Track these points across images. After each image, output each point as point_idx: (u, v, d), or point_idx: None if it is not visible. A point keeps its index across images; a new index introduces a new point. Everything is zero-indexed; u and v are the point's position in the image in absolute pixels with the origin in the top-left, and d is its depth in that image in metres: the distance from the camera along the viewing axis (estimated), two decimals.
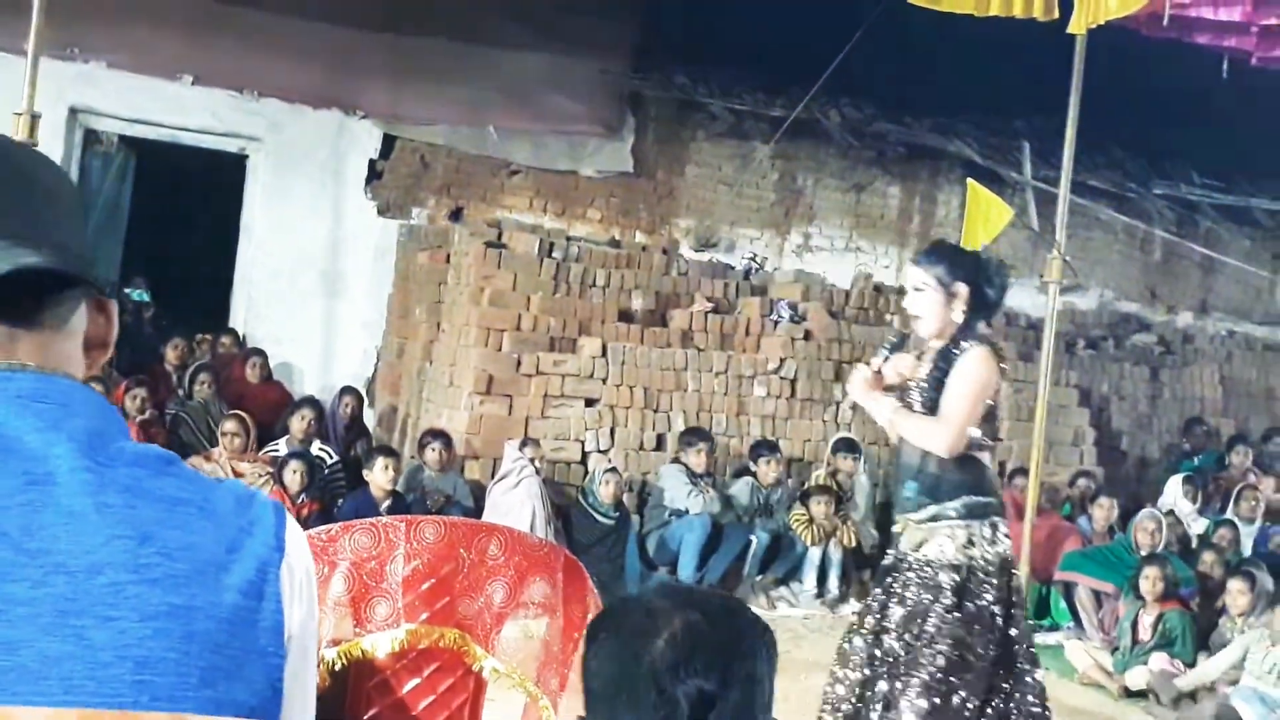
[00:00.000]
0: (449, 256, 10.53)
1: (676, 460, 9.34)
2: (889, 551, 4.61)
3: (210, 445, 8.90)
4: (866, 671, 4.36)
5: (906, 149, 12.97)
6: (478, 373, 9.41)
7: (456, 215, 11.40)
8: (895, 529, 4.60)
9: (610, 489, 8.70)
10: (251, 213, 11.05)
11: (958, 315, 4.34)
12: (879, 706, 4.29)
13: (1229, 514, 10.13)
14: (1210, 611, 8.15)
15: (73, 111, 10.22)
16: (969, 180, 9.16)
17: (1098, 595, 8.86)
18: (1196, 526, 10.09)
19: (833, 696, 4.46)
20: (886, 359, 4.54)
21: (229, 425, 8.68)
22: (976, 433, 4.41)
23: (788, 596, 9.04)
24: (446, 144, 11.38)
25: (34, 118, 6.15)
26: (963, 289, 4.33)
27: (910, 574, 4.36)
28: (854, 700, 4.37)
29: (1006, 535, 4.48)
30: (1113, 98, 10.55)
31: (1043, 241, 12.12)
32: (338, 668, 2.56)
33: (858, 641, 4.43)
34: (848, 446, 9.85)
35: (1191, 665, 7.46)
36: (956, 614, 4.24)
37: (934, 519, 4.35)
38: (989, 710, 4.25)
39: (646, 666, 1.49)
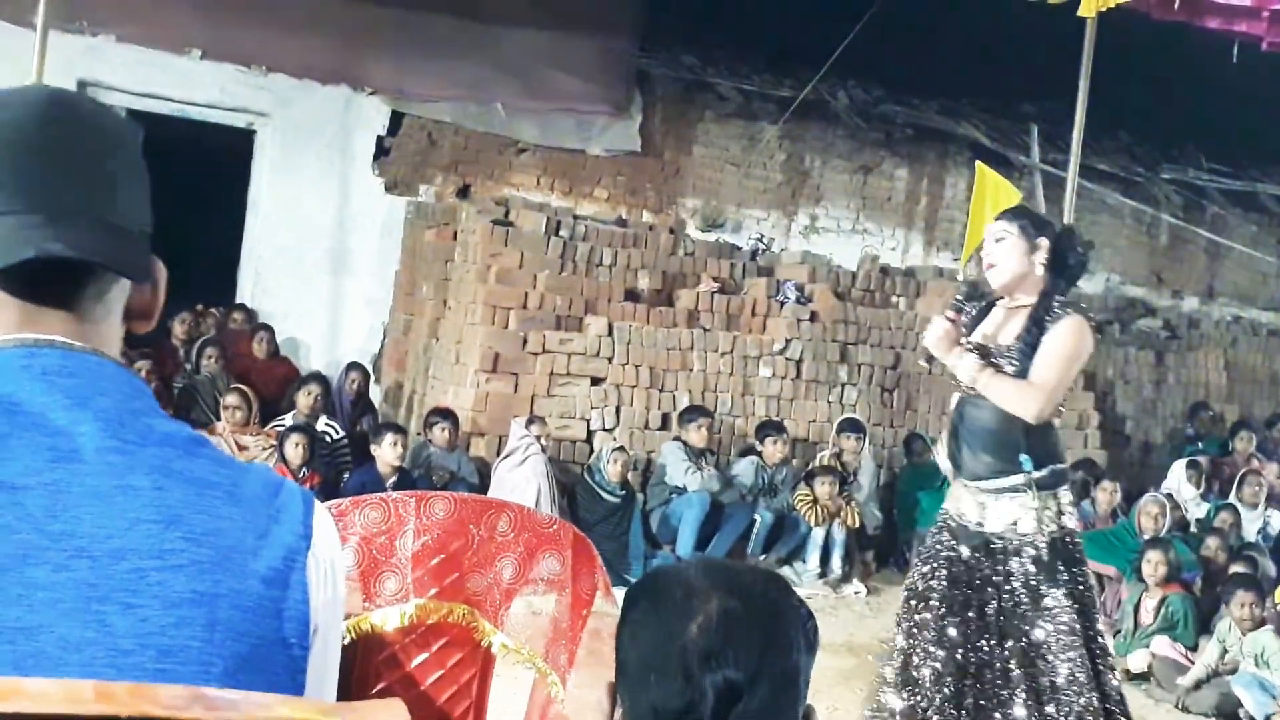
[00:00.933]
0: (456, 234, 10.52)
1: (678, 438, 9.36)
2: (945, 527, 4.44)
3: (216, 419, 8.92)
4: (965, 656, 4.21)
5: (914, 131, 12.96)
6: (484, 350, 9.42)
7: (464, 193, 11.40)
8: (949, 505, 4.48)
9: (617, 468, 8.72)
10: (259, 188, 11.05)
11: (1038, 269, 4.26)
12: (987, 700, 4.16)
13: (1232, 499, 10.13)
14: (1213, 595, 8.16)
15: (81, 85, 10.20)
16: (977, 163, 9.14)
17: (1100, 578, 8.86)
18: (1198, 511, 10.10)
19: (915, 678, 4.28)
20: (961, 310, 4.41)
21: (231, 399, 8.73)
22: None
23: (791, 577, 9.06)
24: (454, 121, 11.37)
25: None
26: (1045, 242, 4.27)
27: (1006, 556, 4.23)
28: (948, 686, 4.20)
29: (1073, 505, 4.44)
30: (1122, 82, 10.52)
31: None
32: (346, 641, 2.56)
33: (949, 630, 4.24)
34: (852, 427, 9.87)
35: (1193, 649, 7.47)
36: (1073, 602, 4.18)
37: (1017, 489, 4.24)
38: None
39: (677, 650, 1.47)
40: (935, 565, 4.37)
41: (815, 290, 10.70)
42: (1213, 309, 14.49)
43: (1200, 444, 11.94)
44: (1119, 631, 8.04)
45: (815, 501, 9.17)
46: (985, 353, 4.25)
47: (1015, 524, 4.22)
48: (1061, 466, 4.34)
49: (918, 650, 4.29)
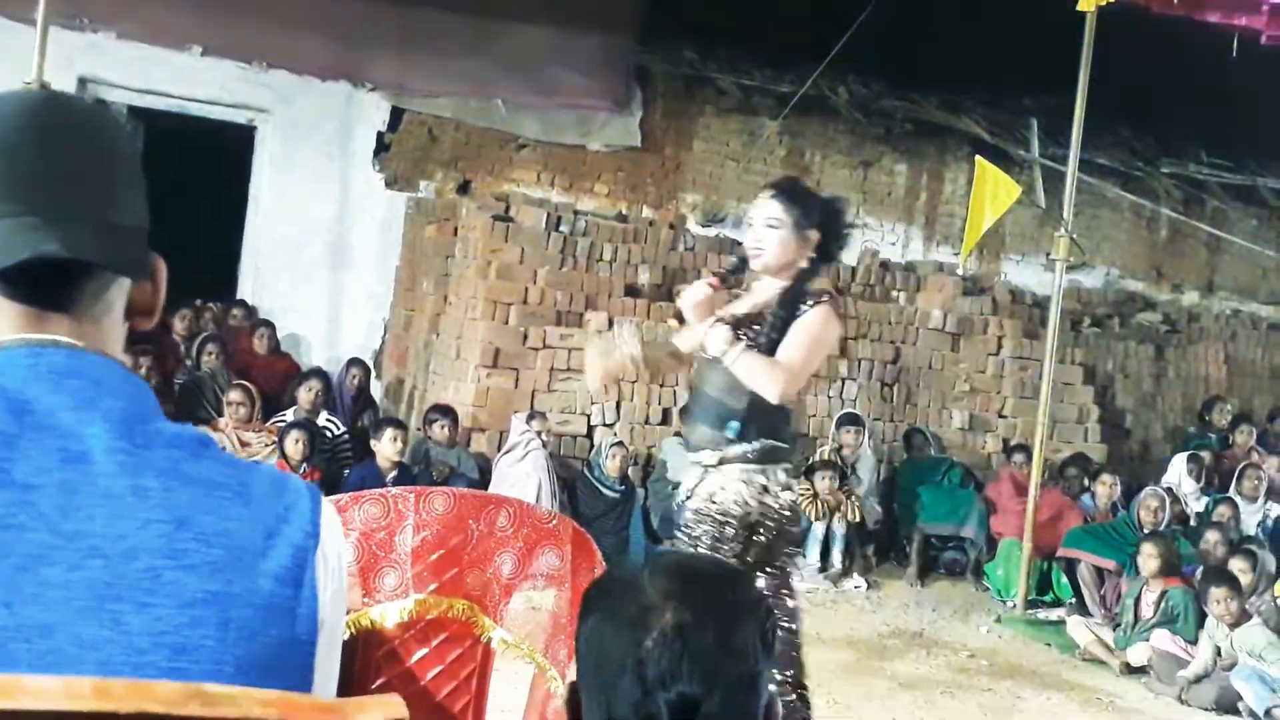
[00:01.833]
0: (456, 229, 10.53)
1: (677, 434, 9.37)
2: (678, 495, 4.43)
3: (218, 415, 8.93)
4: None
5: (914, 126, 12.95)
6: (484, 346, 9.43)
7: (464, 188, 11.40)
8: (681, 476, 4.45)
9: (616, 462, 8.73)
10: (259, 184, 11.06)
11: (803, 260, 4.25)
12: None
13: (1232, 493, 10.14)
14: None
15: (81, 81, 10.22)
16: (977, 157, 9.16)
17: (1100, 572, 8.88)
18: (1198, 505, 10.11)
19: None
20: (725, 279, 4.36)
21: (234, 395, 8.74)
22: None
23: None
24: (454, 117, 11.37)
25: (43, 87, 6.18)
26: (815, 236, 4.24)
27: (702, 525, 4.21)
28: None
29: (796, 483, 4.39)
30: (1122, 76, 10.52)
31: (1050, 219, 12.13)
32: (346, 637, 2.57)
33: None
34: (851, 420, 9.88)
35: (1193, 642, 7.48)
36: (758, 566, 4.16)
37: (726, 461, 4.20)
38: None
39: (632, 666, 1.48)
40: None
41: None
42: (1213, 303, 14.49)
43: (1211, 439, 11.92)
44: (1119, 625, 8.06)
45: (815, 496, 9.18)
46: (738, 325, 4.20)
47: (712, 496, 4.19)
48: (780, 445, 4.24)
49: None
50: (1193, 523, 9.70)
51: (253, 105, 10.86)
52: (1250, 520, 9.83)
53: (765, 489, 4.19)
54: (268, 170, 10.98)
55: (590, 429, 9.57)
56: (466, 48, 11.16)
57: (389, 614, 2.60)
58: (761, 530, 4.20)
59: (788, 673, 4.17)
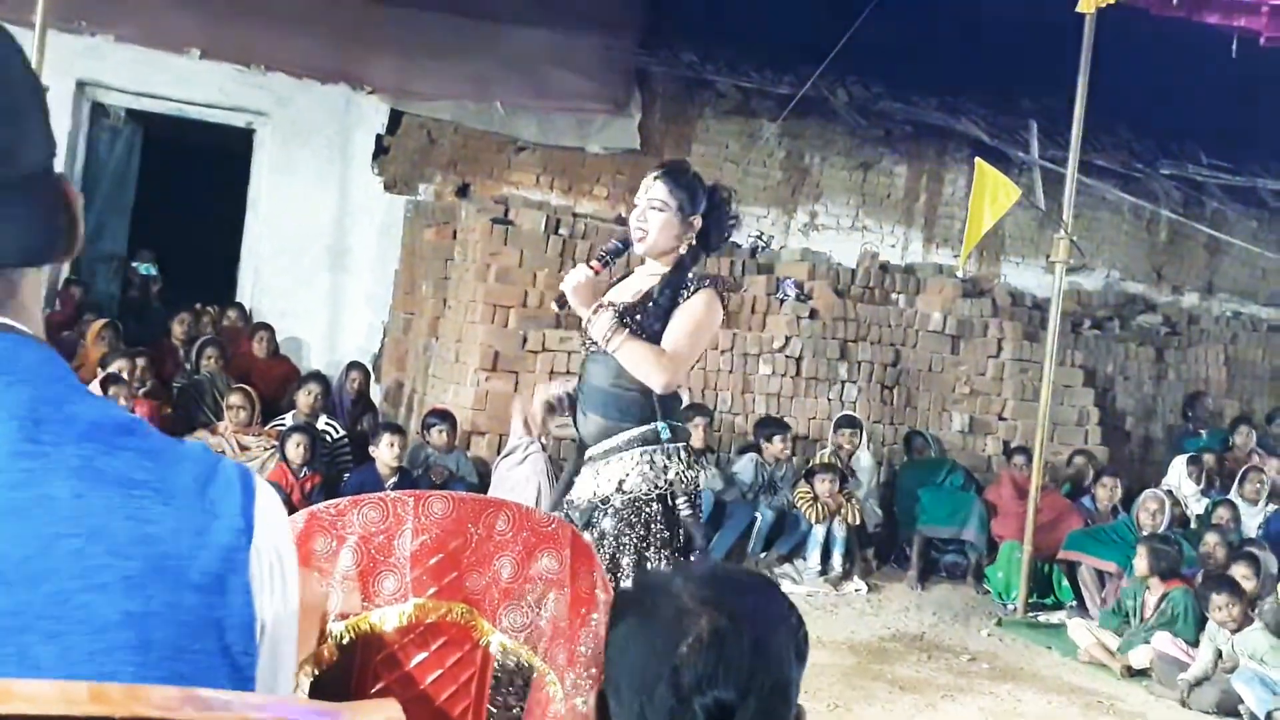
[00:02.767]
0: (455, 233, 10.53)
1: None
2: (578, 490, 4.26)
3: (217, 419, 8.93)
4: None
5: (913, 127, 12.95)
6: (484, 349, 9.42)
7: (463, 191, 11.39)
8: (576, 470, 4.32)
9: None
10: (258, 187, 11.06)
11: (684, 246, 4.22)
12: None
13: (1234, 495, 10.13)
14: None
15: (80, 85, 10.22)
16: (976, 159, 9.15)
17: (1101, 574, 8.88)
18: (1199, 507, 10.10)
19: None
20: (606, 263, 4.30)
21: (234, 399, 8.73)
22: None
23: (791, 574, 9.07)
24: (453, 120, 11.36)
25: None
26: (698, 223, 4.22)
27: (610, 518, 4.07)
28: None
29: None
30: (1121, 77, 10.52)
31: (1049, 221, 12.12)
32: (345, 642, 2.57)
33: None
34: (849, 423, 9.87)
35: (1193, 644, 7.47)
36: (667, 549, 4.01)
37: (623, 448, 4.12)
38: None
39: (668, 671, 1.48)
40: None
41: (815, 287, 10.71)
42: (1213, 304, 14.50)
43: (1203, 434, 11.93)
44: (1118, 630, 8.04)
45: (815, 499, 9.17)
46: (621, 312, 4.17)
47: (621, 483, 4.09)
48: (677, 425, 4.18)
49: None
50: (1193, 525, 9.70)
51: (251, 108, 10.86)
52: (1251, 523, 9.82)
53: (666, 468, 4.10)
54: (266, 173, 10.98)
55: None
56: (465, 50, 11.15)
57: (388, 618, 2.59)
58: (675, 509, 4.10)
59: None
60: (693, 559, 4.13)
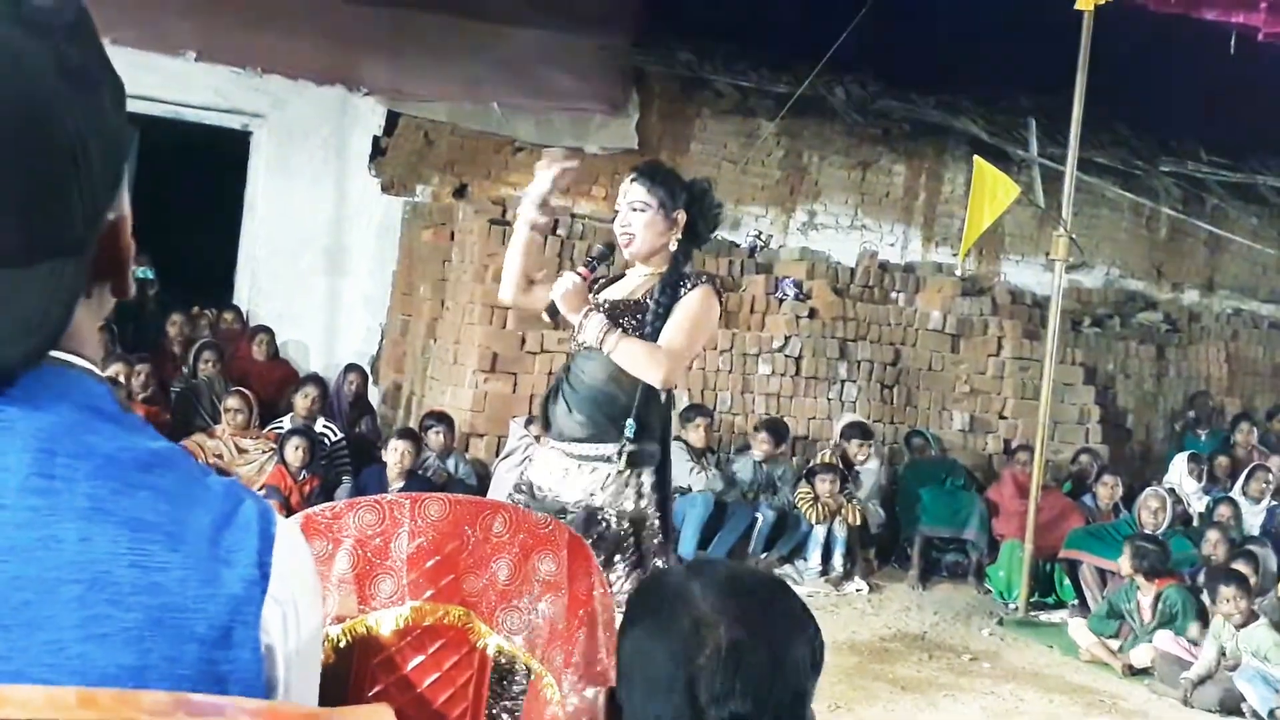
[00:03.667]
0: (453, 234, 10.53)
1: (677, 438, 9.33)
2: (518, 495, 4.17)
3: (215, 422, 8.90)
4: None
5: (912, 126, 12.93)
6: (482, 350, 9.41)
7: (460, 192, 11.38)
8: (529, 473, 4.28)
9: None
10: (255, 189, 11.03)
11: (672, 243, 4.22)
12: None
13: (1237, 493, 10.12)
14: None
15: None
16: (975, 157, 9.14)
17: (1102, 573, 8.86)
18: (1200, 505, 10.09)
19: None
20: (593, 267, 4.32)
21: (231, 402, 8.69)
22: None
23: (792, 574, 9.05)
24: (450, 121, 11.35)
25: None
26: (682, 217, 4.21)
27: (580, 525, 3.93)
28: None
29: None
30: (1120, 74, 10.51)
31: (1049, 219, 12.11)
32: (342, 645, 2.56)
33: None
34: (862, 433, 9.76)
35: (1194, 642, 7.46)
36: (640, 571, 3.96)
37: (608, 458, 4.04)
38: None
39: (684, 682, 1.47)
40: None
41: (814, 287, 10.70)
42: (1213, 302, 14.48)
43: (1202, 435, 11.92)
44: (1116, 633, 8.02)
45: (816, 499, 9.15)
46: (615, 313, 4.14)
47: (592, 495, 4.02)
48: (653, 447, 4.15)
49: None
50: (1195, 523, 9.68)
51: (248, 110, 10.84)
52: (1253, 520, 9.81)
53: (639, 493, 4.07)
54: (263, 175, 10.96)
55: None
56: (462, 51, 11.14)
57: (385, 621, 2.58)
58: (641, 532, 4.05)
59: None
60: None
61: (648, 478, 4.10)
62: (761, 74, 12.29)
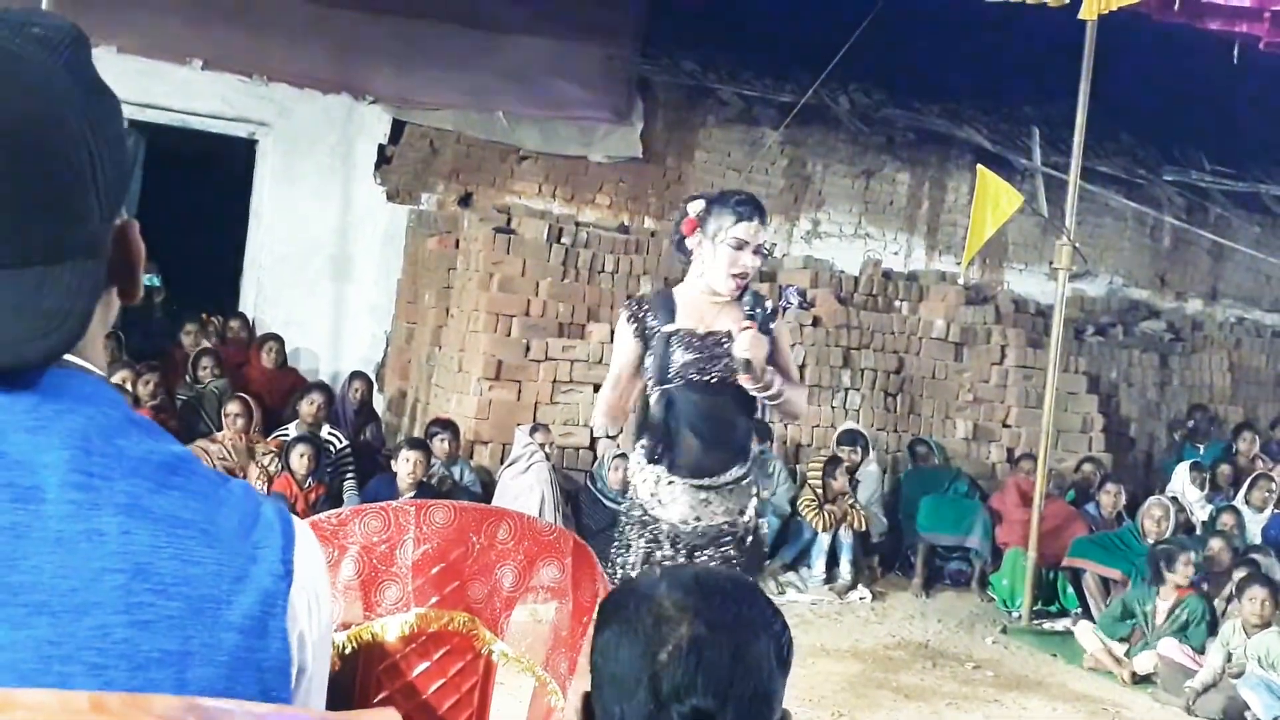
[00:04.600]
0: (458, 242, 10.55)
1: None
2: (647, 533, 4.18)
3: (218, 430, 8.90)
4: None
5: (916, 135, 12.95)
6: (487, 358, 9.42)
7: (466, 201, 11.40)
8: (657, 511, 4.18)
9: (619, 474, 8.70)
10: (261, 197, 11.05)
11: None
12: None
13: (1240, 501, 10.12)
14: (1216, 598, 8.15)
15: None
16: (978, 166, 9.16)
17: (1105, 582, 8.86)
18: (1202, 513, 10.09)
19: None
20: (753, 318, 4.15)
21: (232, 407, 8.69)
22: None
23: (796, 582, 9.05)
24: (456, 129, 11.37)
25: None
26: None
27: (727, 546, 4.12)
28: None
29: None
30: (1123, 83, 10.53)
31: (1052, 228, 12.11)
32: (347, 651, 2.57)
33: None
34: (850, 440, 9.80)
35: (1200, 651, 7.47)
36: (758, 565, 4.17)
37: (743, 478, 4.17)
38: None
39: (647, 679, 1.49)
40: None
41: (818, 295, 10.72)
42: (1216, 311, 14.48)
43: (1201, 448, 11.91)
44: (1128, 638, 8.02)
45: (820, 506, 9.15)
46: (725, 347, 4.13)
47: (742, 512, 4.16)
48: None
49: None
50: (1197, 531, 9.68)
51: (254, 119, 10.86)
52: (1254, 529, 9.80)
53: (758, 500, 4.25)
54: (269, 183, 10.98)
55: (593, 440, 9.55)
56: (467, 60, 11.16)
57: (390, 628, 2.59)
58: (759, 534, 4.25)
59: None
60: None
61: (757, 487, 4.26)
62: (766, 83, 12.31)
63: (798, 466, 9.85)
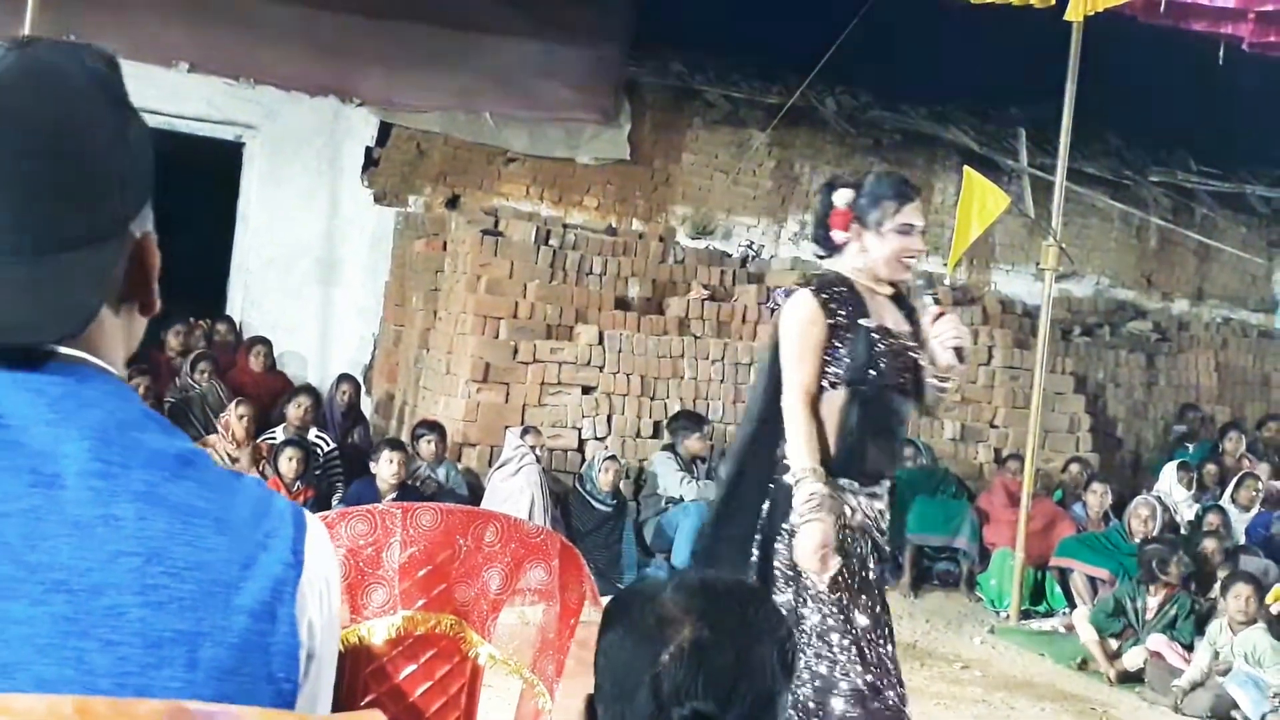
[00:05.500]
0: (445, 244, 10.54)
1: (669, 447, 9.35)
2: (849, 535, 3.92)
3: (208, 433, 8.87)
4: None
5: (902, 136, 12.97)
6: (474, 360, 9.42)
7: (453, 203, 11.39)
8: (849, 515, 3.96)
9: (609, 476, 8.71)
10: (248, 200, 11.03)
11: None
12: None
13: (1226, 500, 10.15)
14: (1205, 597, 8.17)
15: None
16: (965, 168, 9.17)
17: (1093, 581, 8.88)
18: (1189, 513, 10.11)
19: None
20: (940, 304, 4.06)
21: (242, 409, 8.54)
22: None
23: None
24: (443, 132, 11.36)
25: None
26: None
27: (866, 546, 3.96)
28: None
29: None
30: (1109, 85, 10.55)
31: (1039, 229, 12.14)
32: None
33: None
34: None
35: (1188, 646, 7.49)
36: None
37: (883, 480, 4.06)
38: None
39: (649, 680, 1.49)
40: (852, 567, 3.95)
41: None
42: (1203, 311, 14.51)
43: (1190, 447, 11.94)
44: (1119, 634, 8.04)
45: None
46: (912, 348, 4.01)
47: (882, 512, 4.00)
48: None
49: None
50: (1184, 531, 9.70)
51: (240, 121, 10.85)
52: (1239, 528, 9.83)
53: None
54: (256, 186, 10.97)
55: (581, 443, 9.56)
56: (454, 62, 11.15)
57: (377, 630, 2.59)
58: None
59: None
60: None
61: None
62: (753, 85, 12.33)
63: None
